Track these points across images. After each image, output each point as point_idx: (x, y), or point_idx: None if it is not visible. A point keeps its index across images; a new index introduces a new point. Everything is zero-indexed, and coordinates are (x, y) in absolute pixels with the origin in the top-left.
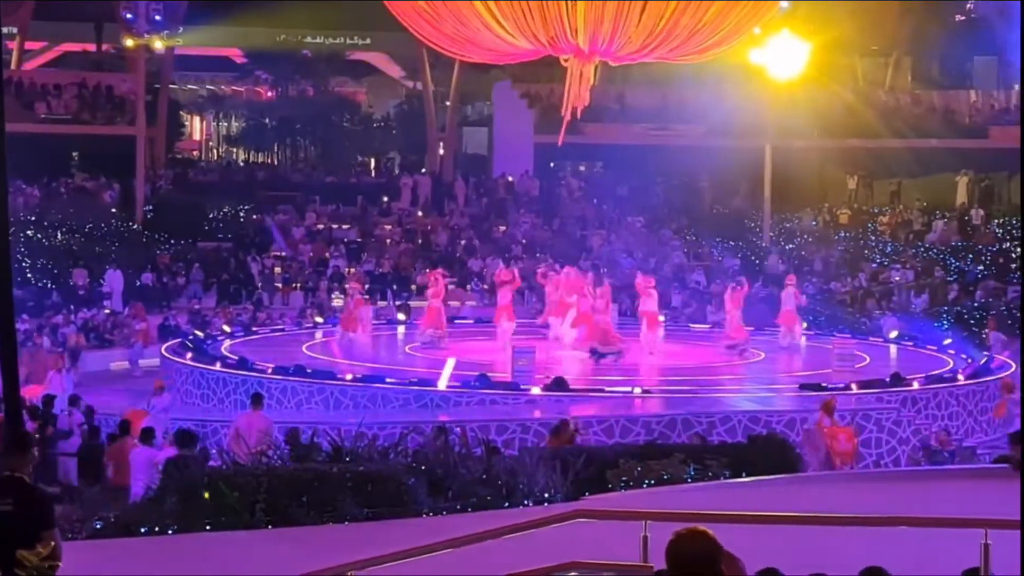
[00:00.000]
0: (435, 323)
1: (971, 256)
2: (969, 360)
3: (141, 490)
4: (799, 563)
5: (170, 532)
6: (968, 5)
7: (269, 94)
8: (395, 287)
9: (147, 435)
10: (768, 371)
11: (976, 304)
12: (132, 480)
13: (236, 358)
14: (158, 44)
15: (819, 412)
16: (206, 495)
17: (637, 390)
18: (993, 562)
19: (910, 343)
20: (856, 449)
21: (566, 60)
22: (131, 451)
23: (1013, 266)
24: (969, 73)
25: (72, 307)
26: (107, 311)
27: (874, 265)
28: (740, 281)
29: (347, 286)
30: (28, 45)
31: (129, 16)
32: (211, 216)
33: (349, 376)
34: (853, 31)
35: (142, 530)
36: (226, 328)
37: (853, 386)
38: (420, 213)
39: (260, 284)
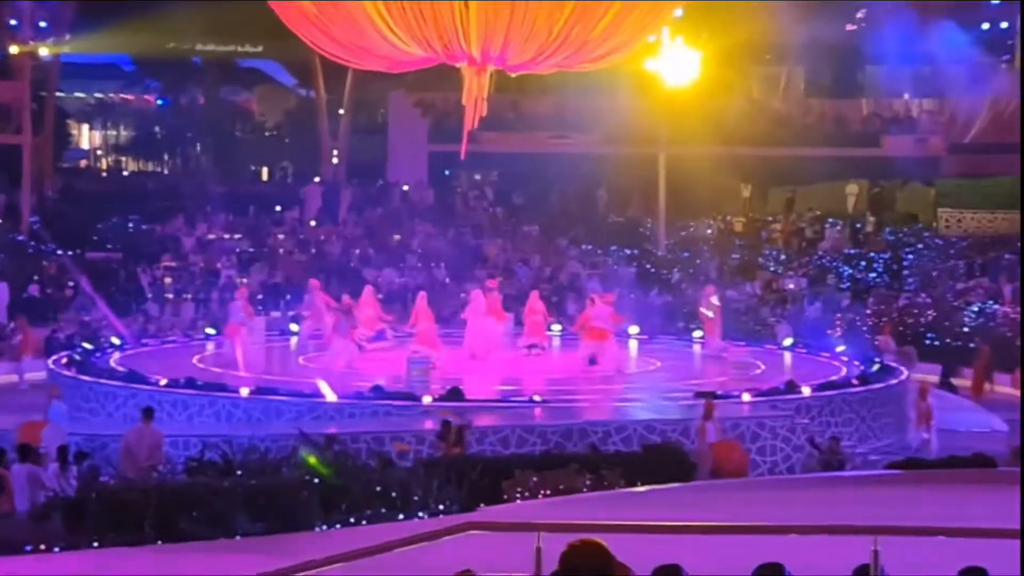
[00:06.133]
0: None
1: (863, 263)
2: (861, 366)
3: (25, 506)
4: (695, 572)
5: (56, 550)
6: (859, 14)
7: (159, 102)
8: (288, 298)
9: (25, 452)
10: (663, 379)
11: (869, 311)
12: (16, 497)
13: (125, 370)
14: (44, 51)
15: (700, 419)
16: None
17: (537, 398)
18: (884, 568)
19: (804, 350)
20: (746, 469)
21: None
22: (10, 468)
23: (905, 273)
24: (860, 82)
25: None
26: None
27: (768, 273)
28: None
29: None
30: None
31: (13, 22)
32: (100, 227)
33: (245, 390)
34: (746, 40)
35: (27, 548)
36: (115, 340)
37: (747, 394)
38: (313, 223)
39: (150, 295)
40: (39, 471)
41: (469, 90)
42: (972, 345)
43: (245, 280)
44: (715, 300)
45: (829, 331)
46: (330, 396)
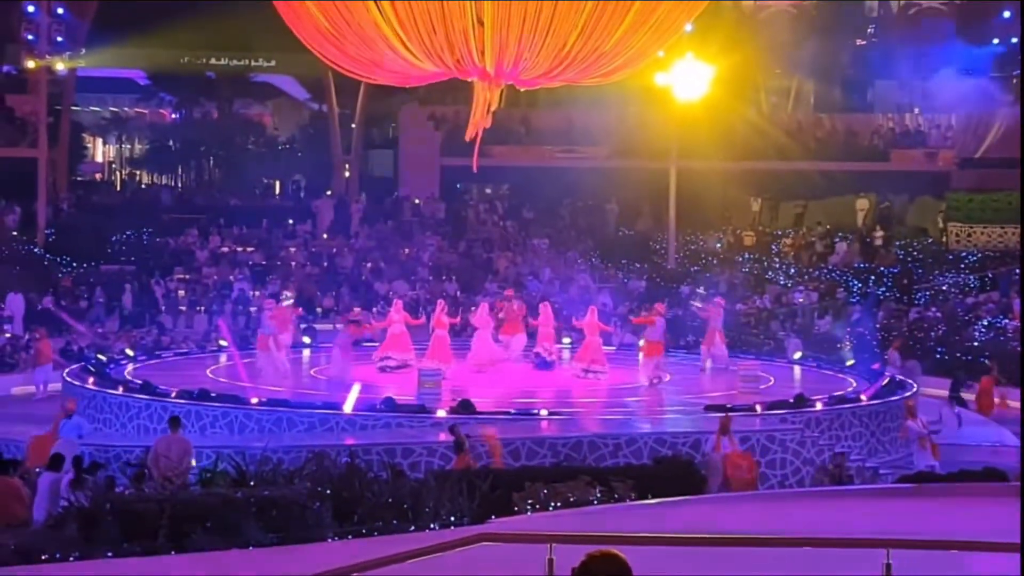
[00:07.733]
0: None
1: (873, 278)
2: (870, 381)
3: (43, 516)
4: None
5: (71, 559)
6: (869, 30)
7: (173, 116)
8: (301, 310)
9: (56, 461)
10: (674, 393)
11: (878, 325)
12: (35, 506)
13: (139, 382)
14: (60, 65)
15: (715, 433)
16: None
17: (544, 412)
18: None
19: (813, 364)
20: (756, 478)
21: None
22: (37, 477)
23: (915, 288)
24: (870, 97)
25: None
26: (8, 335)
27: (778, 286)
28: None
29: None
30: None
31: (30, 37)
32: (114, 239)
33: (255, 400)
34: (756, 54)
35: (43, 557)
36: (129, 352)
37: (757, 407)
38: (325, 236)
39: (164, 307)
40: (61, 479)
41: (483, 104)
42: (983, 360)
43: (258, 293)
44: (719, 310)
45: (839, 345)
46: (348, 407)
